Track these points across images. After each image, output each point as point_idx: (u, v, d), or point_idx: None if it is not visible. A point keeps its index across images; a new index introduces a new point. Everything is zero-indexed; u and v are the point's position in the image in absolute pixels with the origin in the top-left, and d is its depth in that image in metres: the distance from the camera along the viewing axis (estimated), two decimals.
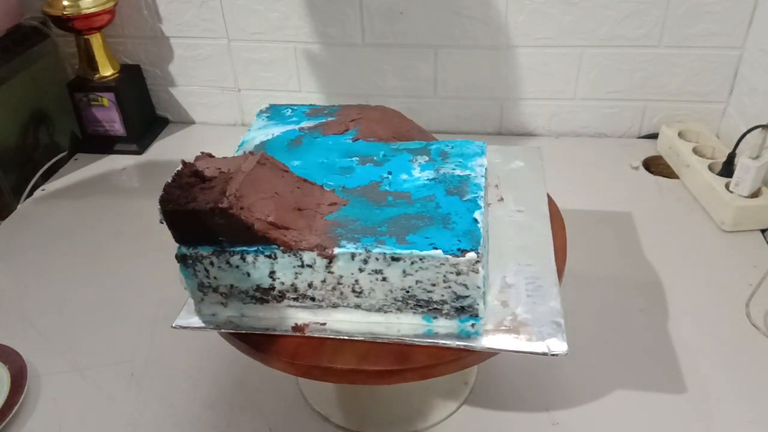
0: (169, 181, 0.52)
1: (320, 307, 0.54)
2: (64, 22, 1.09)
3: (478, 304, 0.51)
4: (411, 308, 0.53)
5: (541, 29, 1.06)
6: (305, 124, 0.70)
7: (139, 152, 1.19)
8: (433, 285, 0.51)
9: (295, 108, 0.74)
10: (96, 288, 0.89)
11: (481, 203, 0.55)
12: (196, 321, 0.56)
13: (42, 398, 0.73)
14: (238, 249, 0.52)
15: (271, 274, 0.53)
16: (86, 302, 0.86)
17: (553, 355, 0.49)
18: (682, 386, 0.70)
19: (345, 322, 0.54)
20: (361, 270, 0.51)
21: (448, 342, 0.51)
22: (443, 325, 0.52)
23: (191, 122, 1.28)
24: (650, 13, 1.02)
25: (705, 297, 0.81)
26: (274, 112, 0.73)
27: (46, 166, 1.14)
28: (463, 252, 0.49)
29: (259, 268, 0.53)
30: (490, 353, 0.51)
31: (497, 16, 1.06)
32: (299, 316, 0.55)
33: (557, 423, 0.66)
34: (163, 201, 0.51)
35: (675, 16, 1.02)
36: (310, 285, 0.53)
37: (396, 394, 0.67)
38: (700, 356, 0.73)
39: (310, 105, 0.74)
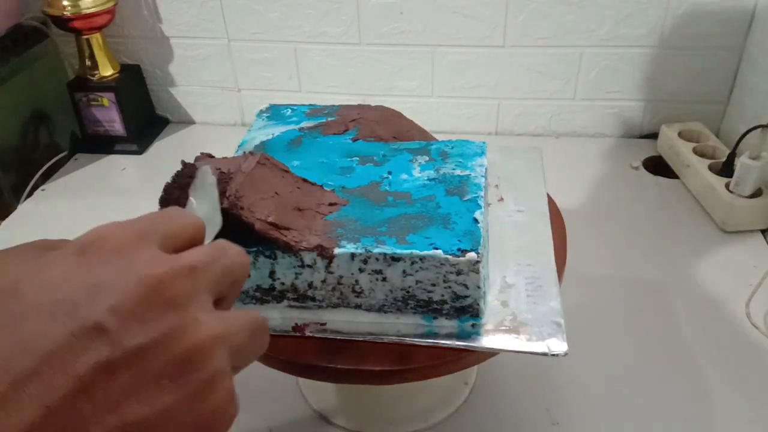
0: (169, 181, 0.52)
1: (320, 307, 0.54)
2: (64, 22, 1.08)
3: (478, 304, 0.51)
4: (411, 308, 0.53)
5: (540, 29, 1.06)
6: (305, 124, 0.70)
7: (139, 152, 1.19)
8: (433, 285, 0.51)
9: (295, 108, 0.74)
10: None
11: (481, 203, 0.55)
12: None
13: None
14: None
15: (271, 274, 0.53)
16: None
17: (553, 355, 0.49)
18: (682, 386, 0.70)
19: (345, 322, 0.54)
20: (361, 270, 0.51)
21: (448, 342, 0.51)
22: (443, 325, 0.52)
23: (191, 122, 1.27)
24: (650, 13, 1.02)
25: (705, 297, 0.81)
26: (274, 112, 0.73)
27: (46, 166, 1.13)
28: (464, 252, 0.49)
29: (259, 268, 0.53)
30: (490, 353, 0.51)
31: (497, 15, 1.06)
32: (299, 316, 0.55)
33: (557, 423, 0.66)
34: (163, 201, 0.51)
35: (675, 16, 1.02)
36: (310, 285, 0.53)
37: (396, 394, 0.67)
38: (700, 356, 0.73)
39: (310, 105, 0.74)
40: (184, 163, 0.54)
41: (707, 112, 1.09)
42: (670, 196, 0.99)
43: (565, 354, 0.49)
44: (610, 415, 0.67)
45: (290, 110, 0.73)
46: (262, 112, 0.74)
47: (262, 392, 0.71)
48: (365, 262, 0.50)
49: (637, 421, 0.66)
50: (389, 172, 0.60)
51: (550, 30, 1.06)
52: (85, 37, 1.12)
